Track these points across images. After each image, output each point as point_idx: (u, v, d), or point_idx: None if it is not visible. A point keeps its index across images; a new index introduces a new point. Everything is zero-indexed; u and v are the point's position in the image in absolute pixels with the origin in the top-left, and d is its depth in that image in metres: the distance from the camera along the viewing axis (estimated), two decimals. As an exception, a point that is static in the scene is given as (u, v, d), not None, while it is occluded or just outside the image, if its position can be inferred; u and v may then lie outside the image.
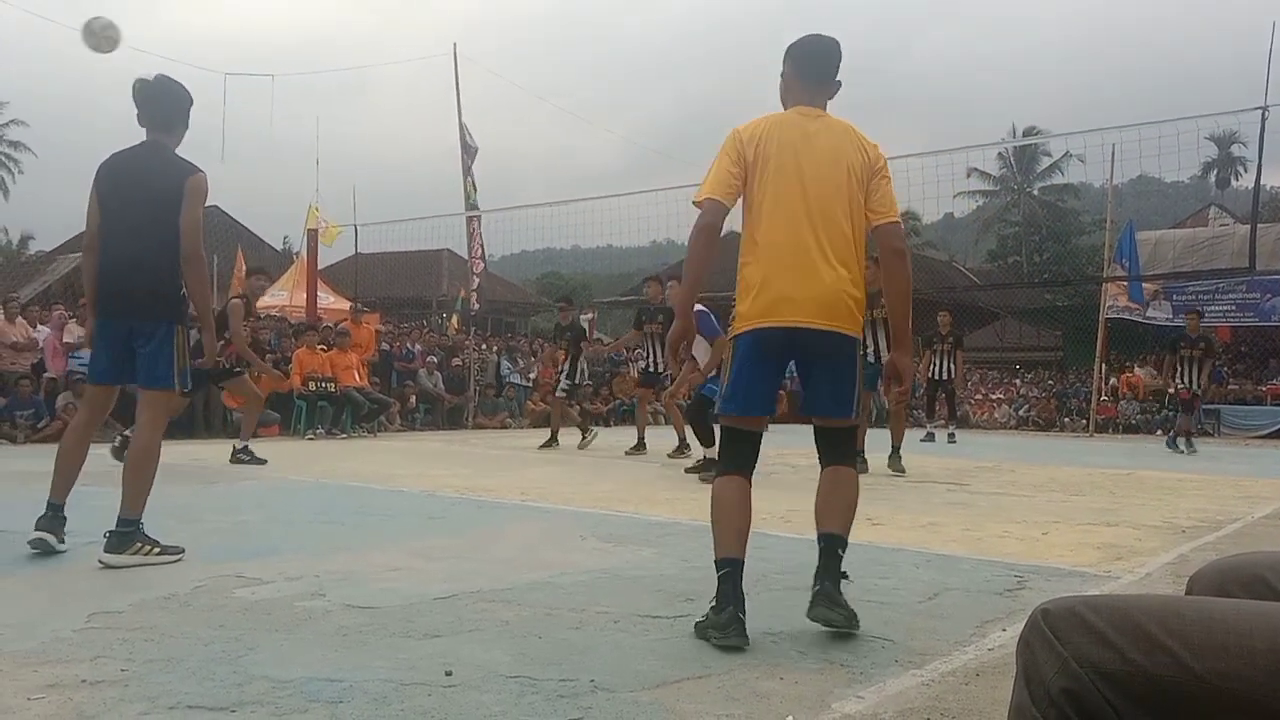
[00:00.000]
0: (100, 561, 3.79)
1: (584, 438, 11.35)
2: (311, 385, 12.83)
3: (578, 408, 13.73)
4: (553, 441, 11.17)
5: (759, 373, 3.09)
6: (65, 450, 4.19)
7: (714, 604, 2.86)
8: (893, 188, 3.22)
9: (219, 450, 10.20)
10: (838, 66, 3.27)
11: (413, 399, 15.32)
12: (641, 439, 10.52)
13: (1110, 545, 4.83)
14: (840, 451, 3.18)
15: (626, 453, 10.28)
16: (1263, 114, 10.89)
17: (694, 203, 3.14)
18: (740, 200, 3.15)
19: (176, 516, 5.23)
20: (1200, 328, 13.61)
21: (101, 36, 5.12)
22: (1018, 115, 62.22)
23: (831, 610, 2.91)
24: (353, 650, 2.67)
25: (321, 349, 13.38)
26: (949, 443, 13.57)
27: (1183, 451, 13.04)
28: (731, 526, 2.95)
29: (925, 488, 7.03)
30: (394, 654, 2.63)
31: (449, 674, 2.45)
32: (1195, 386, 13.20)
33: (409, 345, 16.49)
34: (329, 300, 19.33)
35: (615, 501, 6.11)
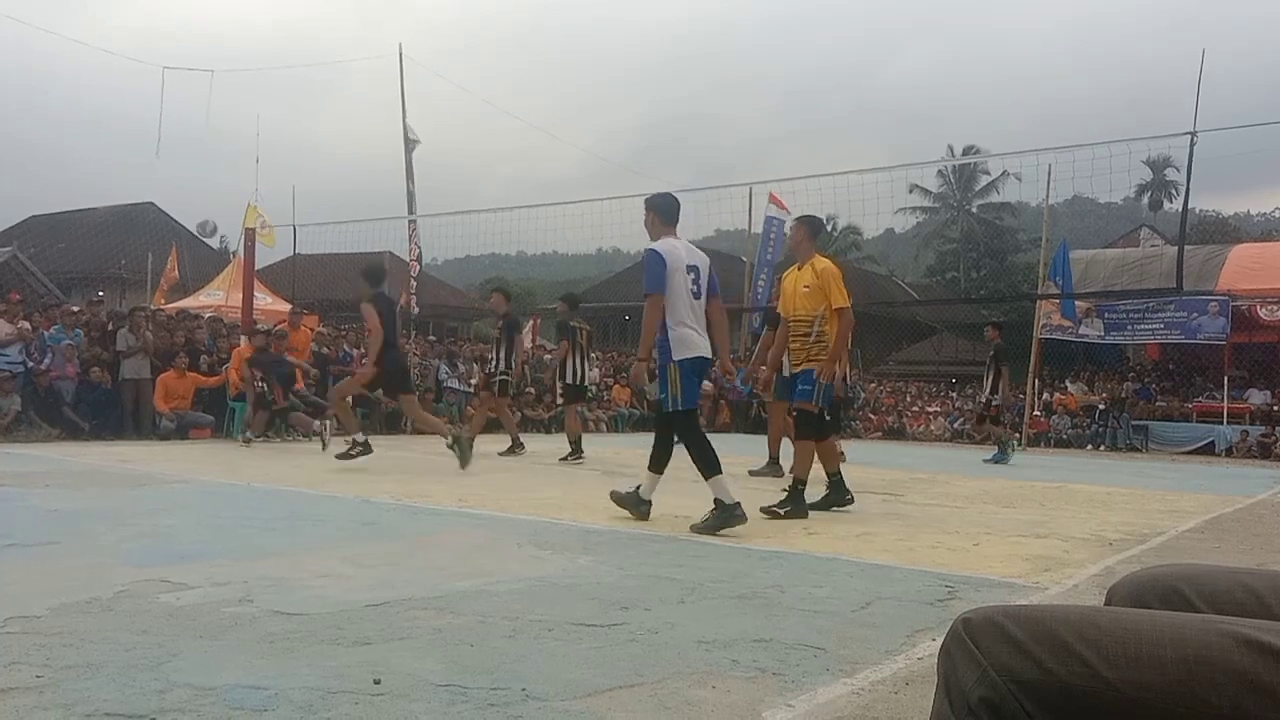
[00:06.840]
0: None
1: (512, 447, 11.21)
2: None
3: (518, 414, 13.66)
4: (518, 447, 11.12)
5: None
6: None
7: None
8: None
9: (146, 452, 9.98)
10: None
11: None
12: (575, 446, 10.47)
13: (1039, 557, 4.92)
14: None
15: (560, 460, 10.27)
16: (1191, 140, 11.15)
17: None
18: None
19: (102, 520, 5.09)
20: (998, 337, 13.27)
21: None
22: (968, 134, 63.45)
23: None
24: (279, 657, 2.61)
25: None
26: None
27: (995, 461, 12.70)
28: None
29: (861, 497, 7.08)
30: (322, 661, 2.58)
31: (378, 682, 2.41)
32: (987, 395, 13.23)
33: (346, 348, 16.25)
34: (266, 301, 19.02)
35: (553, 509, 6.08)
